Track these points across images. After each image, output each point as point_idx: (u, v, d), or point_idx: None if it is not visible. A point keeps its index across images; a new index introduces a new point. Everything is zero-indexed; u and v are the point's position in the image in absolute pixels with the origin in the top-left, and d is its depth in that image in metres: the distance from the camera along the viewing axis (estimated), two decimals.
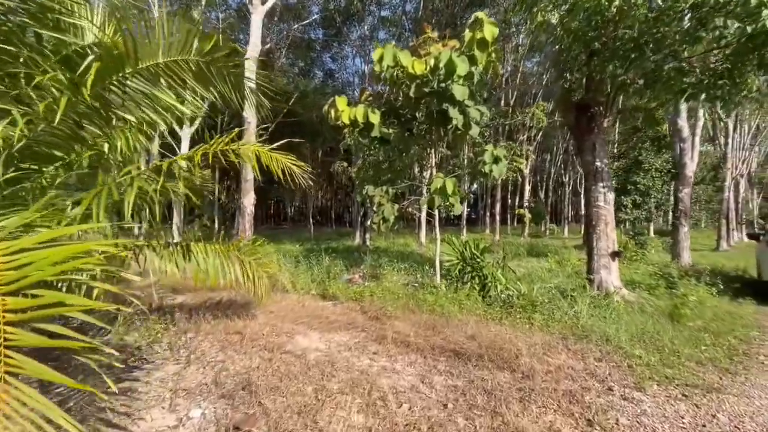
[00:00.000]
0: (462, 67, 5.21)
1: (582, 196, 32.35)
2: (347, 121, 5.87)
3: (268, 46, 18.02)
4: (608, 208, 6.61)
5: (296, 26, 18.59)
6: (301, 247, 16.55)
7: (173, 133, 13.74)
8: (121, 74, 3.18)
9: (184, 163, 3.80)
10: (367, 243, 17.74)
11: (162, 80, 3.37)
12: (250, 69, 8.44)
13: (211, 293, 6.58)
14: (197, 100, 3.79)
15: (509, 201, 36.01)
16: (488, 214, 35.29)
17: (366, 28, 22.25)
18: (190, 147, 16.56)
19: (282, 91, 20.98)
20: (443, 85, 5.50)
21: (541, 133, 24.87)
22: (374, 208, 6.19)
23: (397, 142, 6.07)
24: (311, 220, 29.70)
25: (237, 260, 4.43)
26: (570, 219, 36.06)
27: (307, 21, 19.05)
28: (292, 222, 43.69)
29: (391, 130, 6.07)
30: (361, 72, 25.06)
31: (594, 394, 3.08)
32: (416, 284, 7.45)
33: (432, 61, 5.35)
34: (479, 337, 4.24)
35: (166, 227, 18.23)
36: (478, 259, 6.80)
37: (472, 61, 5.58)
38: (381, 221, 5.87)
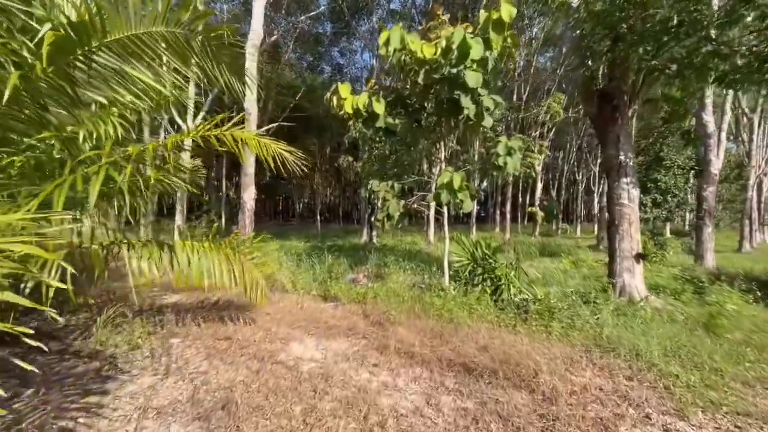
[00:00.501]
0: (477, 49, 4.75)
1: (596, 194, 31.51)
2: (350, 111, 5.45)
3: (274, 37, 17.67)
4: (632, 206, 6.09)
5: (302, 18, 18.17)
6: (307, 244, 16.23)
7: (175, 126, 13.50)
8: (87, 48, 2.80)
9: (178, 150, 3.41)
10: (374, 241, 17.35)
11: (135, 56, 2.98)
12: (252, 57, 8.10)
13: (209, 293, 6.24)
14: (179, 80, 3.40)
15: (520, 199, 35.28)
16: (498, 212, 34.66)
17: (375, 20, 21.77)
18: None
19: (289, 86, 20.69)
20: (455, 70, 5.03)
21: (554, 130, 24.15)
22: (379, 205, 5.76)
23: (403, 133, 5.63)
24: (319, 217, 29.39)
25: (228, 260, 4.06)
26: (582, 218, 35.19)
27: (314, 12, 18.61)
28: (301, 218, 43.53)
29: (397, 121, 5.64)
30: (370, 66, 24.62)
31: (629, 424, 2.63)
32: (423, 286, 7.01)
33: (443, 43, 4.89)
34: (492, 349, 3.80)
35: (163, 222, 18.06)
36: (490, 260, 6.34)
37: (487, 44, 5.10)
38: (386, 218, 5.45)
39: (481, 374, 3.28)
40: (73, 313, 5.07)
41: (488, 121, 5.54)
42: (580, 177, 33.44)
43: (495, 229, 30.69)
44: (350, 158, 9.92)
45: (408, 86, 5.71)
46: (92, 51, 2.82)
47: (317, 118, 25.60)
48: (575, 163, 33.17)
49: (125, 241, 3.56)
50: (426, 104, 5.89)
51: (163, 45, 2.95)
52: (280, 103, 21.12)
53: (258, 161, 21.90)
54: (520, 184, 33.67)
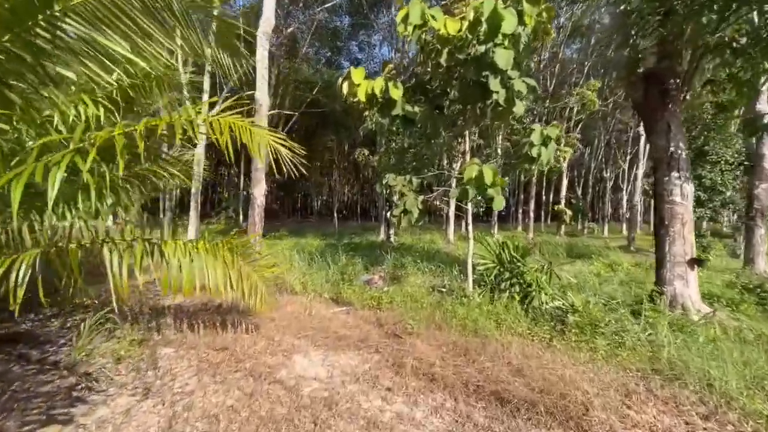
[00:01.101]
0: (510, 21, 4.12)
1: (625, 192, 29.96)
2: (364, 98, 4.92)
3: (290, 29, 17.31)
4: (686, 204, 5.33)
5: (319, 9, 17.72)
6: (323, 242, 15.84)
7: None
8: (49, 12, 2.37)
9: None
10: (391, 239, 16.81)
11: (107, 23, 2.52)
12: (263, 45, 7.68)
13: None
14: (160, 53, 2.94)
15: (543, 197, 34.01)
16: (521, 210, 33.49)
17: (394, 11, 21.09)
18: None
19: (305, 81, 20.35)
20: (483, 48, 4.42)
21: (581, 125, 22.95)
22: (396, 201, 5.22)
23: (423, 122, 5.05)
24: (336, 214, 29.08)
25: (224, 263, 3.61)
26: (608, 217, 33.59)
27: (330, 3, 18.12)
28: (319, 216, 43.45)
29: (416, 109, 5.06)
30: (390, 61, 24.01)
31: None
32: (444, 290, 6.43)
33: (471, 15, 4.28)
34: (528, 372, 3.21)
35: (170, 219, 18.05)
36: (518, 263, 5.70)
37: (519, 18, 4.46)
38: (402, 215, 4.90)
39: (518, 407, 2.70)
40: (70, 314, 4.77)
41: (519, 108, 4.91)
42: (608, 174, 31.89)
43: (517, 228, 29.70)
44: (366, 152, 9.34)
45: (429, 69, 5.13)
46: (56, 16, 2.38)
47: (334, 113, 25.23)
48: (603, 160, 31.64)
49: (107, 240, 3.14)
50: (449, 89, 5.30)
51: (138, 7, 2.49)
52: (297, 98, 20.81)
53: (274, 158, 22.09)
54: (544, 181, 32.45)
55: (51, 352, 3.57)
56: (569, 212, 15.44)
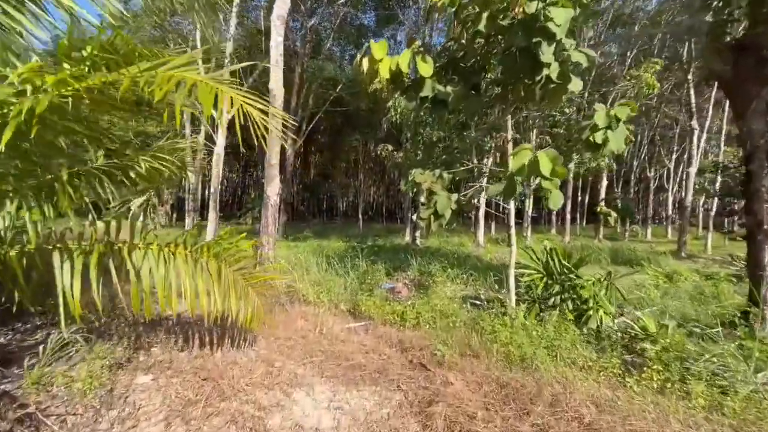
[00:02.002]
0: None
1: (670, 192, 27.68)
2: (387, 76, 4.13)
3: (312, 22, 16.81)
4: None
5: (342, 2, 17.12)
6: (346, 244, 15.20)
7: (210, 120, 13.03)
8: None
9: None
10: (417, 242, 15.94)
11: None
12: (278, 29, 7.06)
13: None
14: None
15: (578, 197, 32.10)
16: (554, 211, 31.70)
17: (422, 8, 20.24)
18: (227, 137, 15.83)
19: (329, 78, 19.84)
20: (534, 6, 3.53)
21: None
22: (422, 200, 4.40)
23: (457, 104, 4.21)
24: (361, 216, 28.50)
25: (205, 269, 2.92)
26: (651, 220, 31.20)
27: None
28: (345, 217, 43.11)
29: (449, 89, 4.22)
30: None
31: None
32: (479, 303, 5.55)
33: None
34: None
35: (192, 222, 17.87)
36: (571, 275, 4.74)
37: None
38: (432, 217, 4.07)
39: None
40: (55, 326, 4.25)
41: (576, 85, 3.98)
42: (652, 173, 29.64)
43: (551, 230, 28.09)
44: (390, 147, 8.48)
45: (464, 42, 4.27)
46: None
47: (359, 112, 24.64)
48: (646, 158, 29.43)
49: (58, 245, 2.51)
50: (487, 66, 4.42)
51: None
52: (320, 96, 20.33)
53: (283, 153, 21.00)
54: (580, 180, 30.57)
55: (13, 376, 3.00)
56: (614, 214, 14.01)
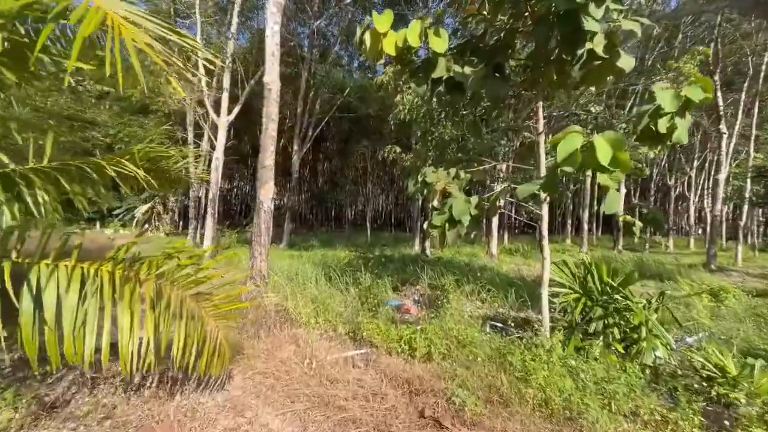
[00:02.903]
0: None
1: (692, 202, 26.35)
2: (392, 53, 3.41)
3: (318, 23, 16.32)
4: None
5: (348, 1, 16.59)
6: (352, 253, 14.45)
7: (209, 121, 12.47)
8: None
9: None
10: (427, 252, 15.10)
11: None
12: (274, 17, 6.44)
13: None
14: None
15: (595, 205, 30.86)
16: (569, 220, 30.53)
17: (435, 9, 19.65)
18: (228, 137, 15.33)
19: (336, 83, 19.35)
20: None
21: None
22: (434, 205, 3.63)
23: (477, 86, 3.45)
24: (369, 224, 27.75)
25: (151, 296, 2.18)
26: (673, 230, 29.81)
27: None
28: (353, 226, 42.45)
29: (467, 70, 3.48)
30: None
31: None
32: (501, 326, 4.72)
33: None
34: None
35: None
36: (616, 295, 3.89)
37: None
38: (446, 225, 3.29)
39: None
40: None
41: (627, 62, 3.21)
42: (673, 181, 28.38)
43: (565, 240, 27.00)
44: (398, 149, 7.63)
45: (485, 13, 3.53)
46: None
47: (368, 119, 24.09)
48: (665, 165, 28.21)
49: None
50: (512, 45, 3.67)
51: None
52: (329, 101, 19.83)
53: (289, 159, 20.41)
54: (596, 187, 29.43)
55: None
56: (639, 223, 13.02)
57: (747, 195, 17.14)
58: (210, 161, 12.25)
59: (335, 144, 33.21)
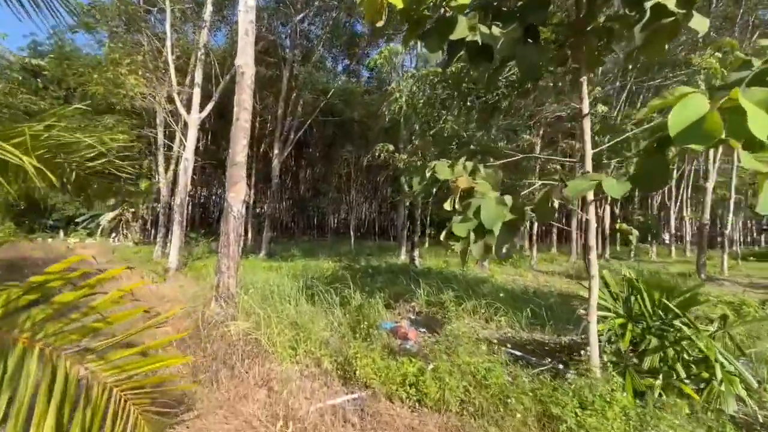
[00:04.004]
0: None
1: (672, 209, 26.53)
2: (400, 4, 2.57)
3: (299, 17, 15.47)
4: None
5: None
6: (337, 264, 13.47)
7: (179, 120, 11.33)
8: None
9: None
10: (416, 262, 14.26)
11: None
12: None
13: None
14: None
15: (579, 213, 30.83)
16: (554, 229, 30.29)
17: None
18: (200, 136, 14.21)
19: (318, 85, 18.53)
20: None
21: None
22: (454, 208, 2.76)
23: (507, 51, 2.65)
24: (353, 233, 26.72)
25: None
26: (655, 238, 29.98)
27: None
28: (335, 234, 41.26)
29: (496, 31, 2.67)
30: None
31: None
32: (521, 356, 3.89)
33: None
34: None
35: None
36: (675, 320, 3.12)
37: None
38: (474, 236, 2.43)
39: None
40: None
41: (701, 23, 2.47)
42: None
43: (550, 249, 26.51)
44: (390, 147, 6.72)
45: None
46: None
47: (352, 124, 23.31)
48: None
49: None
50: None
51: None
52: (311, 104, 18.95)
53: (269, 164, 19.72)
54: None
55: None
56: (636, 232, 12.59)
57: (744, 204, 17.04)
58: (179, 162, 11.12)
59: (318, 150, 32.26)
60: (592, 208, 2.80)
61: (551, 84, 3.65)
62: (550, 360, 4.13)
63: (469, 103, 3.96)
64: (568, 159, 3.81)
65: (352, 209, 33.55)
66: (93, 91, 15.12)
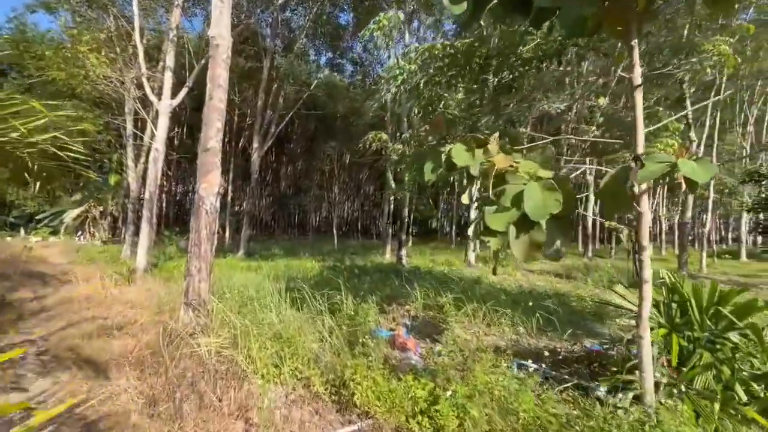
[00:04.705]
0: None
1: (650, 208, 26.96)
2: None
3: (281, 1, 14.65)
4: None
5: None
6: (321, 263, 12.79)
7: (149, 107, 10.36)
8: None
9: None
10: (403, 261, 13.75)
11: None
12: None
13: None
14: None
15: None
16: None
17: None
18: (172, 125, 13.30)
19: (298, 76, 17.77)
20: None
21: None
22: (471, 197, 2.20)
23: (554, 1, 2.12)
24: (335, 231, 25.95)
25: None
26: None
27: None
28: (317, 232, 40.31)
29: None
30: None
31: None
32: (538, 369, 3.41)
33: None
34: None
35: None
36: (728, 332, 2.68)
37: None
38: (514, 228, 1.89)
39: None
40: None
41: None
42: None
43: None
44: (384, 136, 6.01)
45: None
46: None
47: (334, 117, 22.60)
48: None
49: None
50: None
51: None
52: (294, 95, 18.13)
53: (249, 159, 19.11)
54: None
55: None
56: (626, 230, 12.40)
57: (746, 200, 17.26)
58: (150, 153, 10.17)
59: (300, 145, 31.34)
60: (645, 199, 2.30)
61: (591, 50, 3.15)
62: (568, 371, 3.67)
63: (479, 83, 3.44)
64: (614, 140, 3.37)
65: (335, 207, 32.76)
66: (53, 76, 13.89)
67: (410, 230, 24.28)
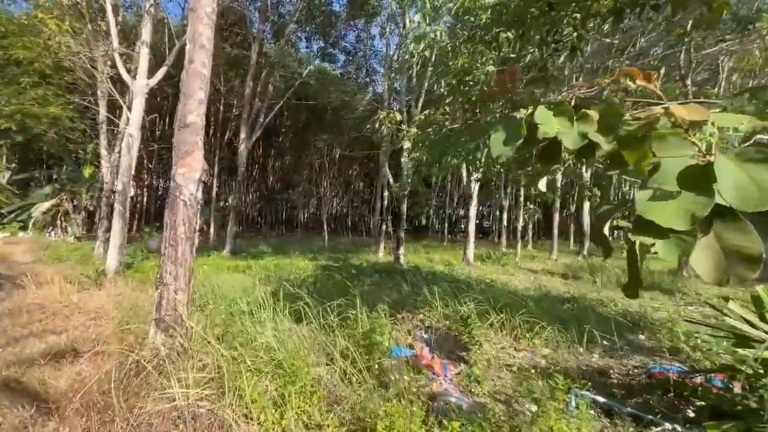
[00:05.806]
0: None
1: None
2: None
3: None
4: None
5: None
6: (312, 263, 11.90)
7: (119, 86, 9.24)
8: None
9: None
10: (401, 260, 12.99)
11: None
12: None
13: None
14: None
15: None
16: (530, 225, 29.85)
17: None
18: (152, 113, 12.27)
19: (289, 66, 16.77)
20: None
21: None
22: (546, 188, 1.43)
23: None
24: (326, 227, 24.97)
25: None
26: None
27: None
28: (306, 229, 39.17)
29: None
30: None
31: None
32: (614, 406, 2.66)
33: None
34: None
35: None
36: None
37: None
38: (703, 230, 1.13)
39: None
40: None
41: None
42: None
43: (499, 246, 23.70)
44: (397, 115, 5.08)
45: None
46: None
47: (326, 109, 21.63)
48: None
49: None
50: None
51: None
52: (283, 84, 17.10)
53: (236, 151, 18.05)
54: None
55: None
56: (629, 225, 11.84)
57: None
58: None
59: (289, 139, 30.20)
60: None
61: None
62: (637, 401, 2.94)
63: (541, 40, 2.67)
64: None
65: (324, 203, 31.75)
66: (18, 56, 12.61)
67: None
